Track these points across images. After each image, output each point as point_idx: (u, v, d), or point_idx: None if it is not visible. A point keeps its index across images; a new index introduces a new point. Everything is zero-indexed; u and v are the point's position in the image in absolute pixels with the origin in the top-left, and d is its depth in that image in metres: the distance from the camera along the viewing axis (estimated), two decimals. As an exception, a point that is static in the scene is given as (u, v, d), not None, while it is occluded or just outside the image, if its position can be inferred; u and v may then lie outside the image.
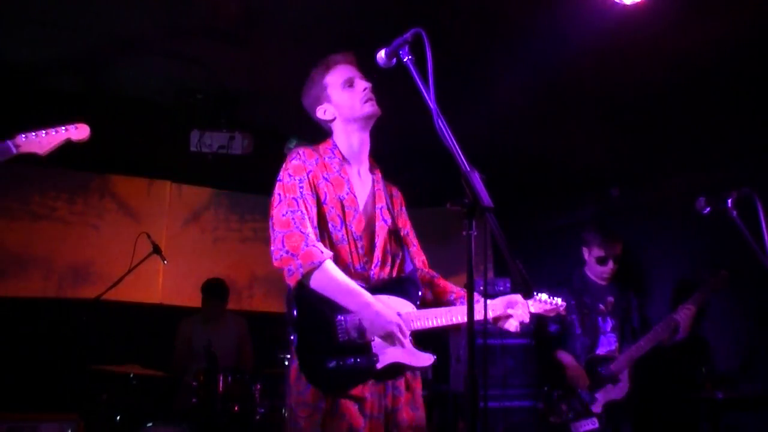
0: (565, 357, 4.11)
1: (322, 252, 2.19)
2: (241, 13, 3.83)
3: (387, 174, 2.61)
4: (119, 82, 4.80)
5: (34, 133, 2.78)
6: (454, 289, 2.52)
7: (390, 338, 2.19)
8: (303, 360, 2.17)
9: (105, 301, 4.94)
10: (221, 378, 4.36)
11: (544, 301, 2.62)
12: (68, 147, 3.19)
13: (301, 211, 2.24)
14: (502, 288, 4.85)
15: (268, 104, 4.96)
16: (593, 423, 3.92)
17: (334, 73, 2.45)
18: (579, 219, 6.36)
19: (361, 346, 2.19)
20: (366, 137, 2.47)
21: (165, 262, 5.30)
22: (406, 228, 2.58)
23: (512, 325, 2.42)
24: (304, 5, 3.76)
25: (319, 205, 2.31)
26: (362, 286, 2.26)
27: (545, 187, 6.27)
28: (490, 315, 2.39)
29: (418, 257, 2.57)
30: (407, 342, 2.23)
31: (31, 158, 2.78)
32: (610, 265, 4.24)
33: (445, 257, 4.11)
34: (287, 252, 2.18)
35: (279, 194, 2.28)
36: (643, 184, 5.68)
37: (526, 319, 2.43)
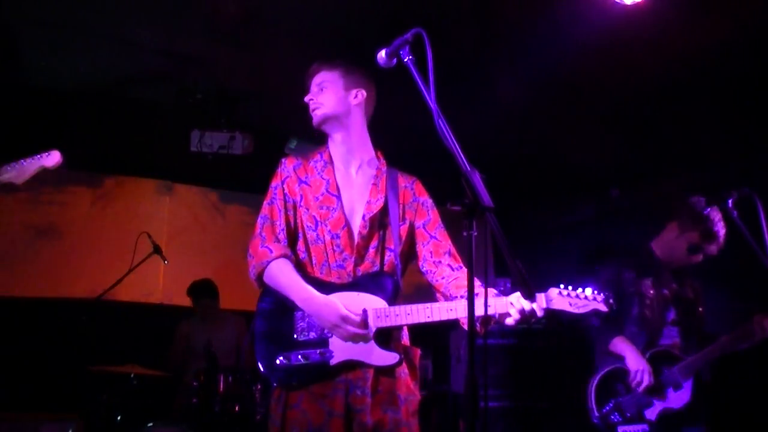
0: (626, 347, 3.44)
1: (271, 251, 2.32)
2: (241, 13, 3.83)
3: (390, 166, 2.56)
4: (119, 83, 4.80)
5: (14, 163, 2.96)
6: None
7: (339, 331, 2.22)
8: (262, 356, 2.25)
9: (105, 301, 4.94)
10: (221, 378, 4.36)
11: (576, 296, 2.26)
12: (68, 146, 3.23)
13: (266, 216, 2.41)
14: (502, 288, 4.84)
15: (268, 104, 4.96)
16: (643, 430, 3.38)
17: (306, 90, 2.56)
18: (579, 219, 6.37)
19: (318, 343, 2.25)
20: (342, 138, 2.49)
21: (165, 262, 5.30)
22: (424, 219, 2.50)
23: (512, 320, 2.21)
24: (304, 6, 3.76)
25: (296, 208, 2.42)
26: (335, 283, 2.31)
27: (545, 187, 6.28)
28: (494, 311, 2.22)
29: (438, 249, 2.46)
30: (366, 335, 2.23)
31: (8, 188, 2.96)
32: (699, 258, 3.54)
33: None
34: (248, 255, 2.38)
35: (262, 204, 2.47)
36: (643, 184, 5.68)
37: (539, 314, 2.19)
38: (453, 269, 2.44)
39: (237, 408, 4.30)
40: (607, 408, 3.40)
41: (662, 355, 3.46)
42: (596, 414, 3.40)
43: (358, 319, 2.22)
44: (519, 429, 4.62)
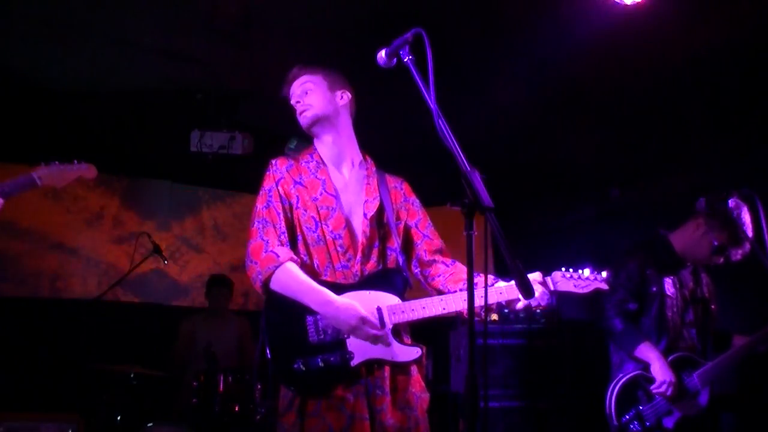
0: (653, 355, 3.30)
1: (278, 256, 2.25)
2: (241, 13, 3.83)
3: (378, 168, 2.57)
4: (119, 82, 4.80)
5: (51, 167, 3.12)
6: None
7: (358, 334, 2.19)
8: (276, 363, 2.20)
9: (105, 301, 4.94)
10: (221, 378, 4.36)
11: (579, 277, 2.33)
12: (67, 146, 3.26)
13: (265, 219, 2.34)
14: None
15: (268, 104, 4.94)
16: None
17: (287, 94, 2.53)
18: (579, 219, 6.37)
19: (336, 345, 2.21)
20: (333, 139, 2.47)
21: (165, 262, 5.31)
22: (415, 218, 2.52)
23: (522, 304, 2.29)
24: (304, 6, 3.76)
25: (292, 210, 2.37)
26: (343, 283, 2.29)
27: (545, 187, 6.28)
28: (502, 299, 2.28)
29: (430, 247, 2.49)
30: (384, 335, 2.22)
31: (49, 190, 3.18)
32: (720, 261, 3.41)
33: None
34: (251, 261, 2.29)
35: (254, 206, 2.42)
36: (643, 184, 5.68)
37: (543, 302, 2.28)
38: (447, 265, 2.48)
39: (237, 408, 4.30)
40: (628, 416, 3.31)
41: (682, 360, 3.37)
42: (615, 423, 3.31)
43: (376, 321, 2.22)
44: (519, 429, 4.62)
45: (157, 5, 3.78)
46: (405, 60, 1.98)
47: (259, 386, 4.38)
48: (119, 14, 3.88)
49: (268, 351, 2.22)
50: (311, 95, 2.46)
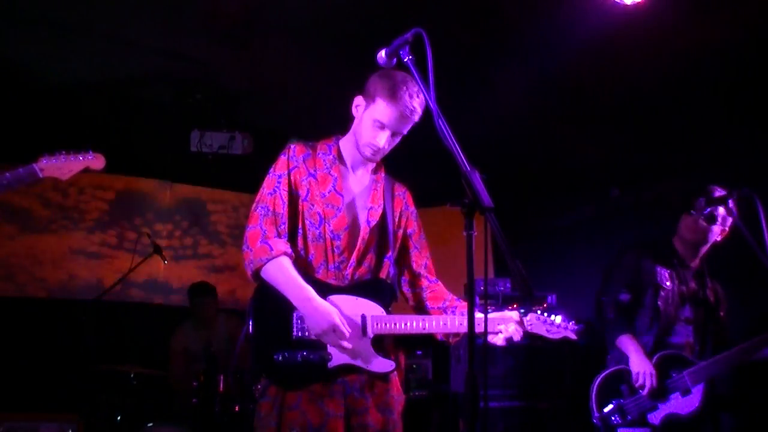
0: (632, 347, 3.31)
1: (272, 249, 2.23)
2: (241, 13, 3.83)
3: (387, 173, 2.58)
4: (119, 83, 4.80)
5: (55, 158, 2.99)
6: (448, 297, 2.48)
7: (326, 338, 2.19)
8: (257, 352, 2.22)
9: (105, 301, 4.94)
10: (221, 378, 4.36)
11: (551, 323, 2.43)
12: (66, 146, 3.23)
13: (267, 207, 2.30)
14: (502, 288, 4.84)
15: (268, 104, 4.96)
16: None
17: (389, 106, 2.27)
18: (579, 219, 6.37)
19: (316, 344, 2.22)
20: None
21: (165, 262, 5.31)
22: (410, 229, 2.53)
23: (498, 339, 2.37)
24: (304, 5, 3.76)
25: (300, 201, 2.35)
26: (333, 285, 2.30)
27: (545, 187, 6.28)
28: (479, 329, 2.28)
29: (418, 261, 2.52)
30: (361, 345, 2.24)
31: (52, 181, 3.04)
32: (716, 230, 3.41)
33: (446, 257, 4.05)
34: (247, 247, 2.28)
35: (260, 189, 2.36)
36: (643, 184, 5.68)
37: (516, 338, 2.35)
38: (430, 281, 2.53)
39: (237, 408, 4.30)
40: (607, 409, 3.31)
41: (672, 358, 3.33)
42: (596, 414, 3.33)
43: (347, 334, 2.21)
44: (519, 429, 4.62)
45: (157, 5, 3.78)
46: (405, 60, 1.98)
47: (259, 386, 4.38)
48: (119, 14, 3.88)
49: (251, 328, 2.25)
50: (395, 141, 2.37)
